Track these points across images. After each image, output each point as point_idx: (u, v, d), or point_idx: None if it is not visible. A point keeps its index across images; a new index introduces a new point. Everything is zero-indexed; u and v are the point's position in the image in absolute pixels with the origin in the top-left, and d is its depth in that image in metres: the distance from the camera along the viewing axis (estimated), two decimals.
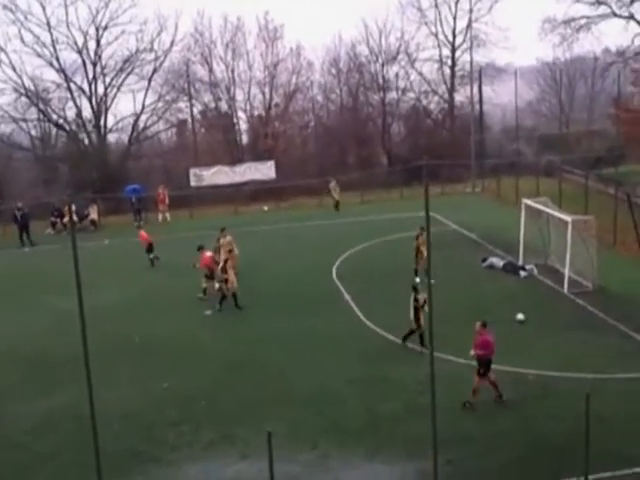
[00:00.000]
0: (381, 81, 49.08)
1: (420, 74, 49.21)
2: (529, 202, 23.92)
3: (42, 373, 17.29)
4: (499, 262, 24.03)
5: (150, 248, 26.98)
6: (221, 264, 21.42)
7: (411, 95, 50.14)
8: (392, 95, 49.84)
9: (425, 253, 20.10)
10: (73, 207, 35.54)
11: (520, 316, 18.71)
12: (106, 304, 21.49)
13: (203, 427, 13.96)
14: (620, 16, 39.87)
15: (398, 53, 48.64)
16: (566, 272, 21.18)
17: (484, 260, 24.36)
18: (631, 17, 39.65)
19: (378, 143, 50.85)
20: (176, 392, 15.63)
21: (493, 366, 14.16)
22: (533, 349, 16.88)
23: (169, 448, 13.19)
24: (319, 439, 13.10)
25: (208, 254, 22.34)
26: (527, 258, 23.71)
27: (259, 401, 15.00)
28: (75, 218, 35.57)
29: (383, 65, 49.00)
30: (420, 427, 12.72)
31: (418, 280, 19.18)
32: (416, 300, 16.86)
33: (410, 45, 48.60)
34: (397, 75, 49.09)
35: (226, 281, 21.03)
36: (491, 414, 13.67)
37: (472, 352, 14.14)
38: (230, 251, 22.31)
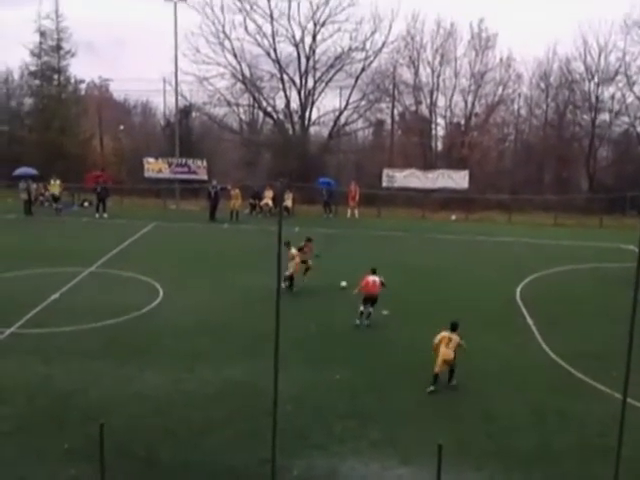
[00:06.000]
0: (594, 101, 46.66)
1: (638, 98, 46.11)
2: None
3: (228, 343, 18.41)
4: None
5: None
6: None
7: (625, 119, 47.25)
8: (603, 117, 47.26)
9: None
10: (272, 193, 37.63)
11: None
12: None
13: (369, 424, 14.05)
14: None
15: (617, 74, 45.99)
16: None
17: None
18: None
19: (581, 165, 48.43)
20: (347, 384, 15.94)
21: None
22: None
23: (335, 439, 13.42)
24: (485, 461, 12.73)
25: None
26: None
27: (427, 409, 14.87)
28: (271, 203, 37.55)
29: (598, 85, 46.57)
30: (595, 469, 12.03)
31: None
32: None
33: (631, 67, 45.79)
34: (612, 97, 46.42)
35: None
36: None
37: None
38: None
